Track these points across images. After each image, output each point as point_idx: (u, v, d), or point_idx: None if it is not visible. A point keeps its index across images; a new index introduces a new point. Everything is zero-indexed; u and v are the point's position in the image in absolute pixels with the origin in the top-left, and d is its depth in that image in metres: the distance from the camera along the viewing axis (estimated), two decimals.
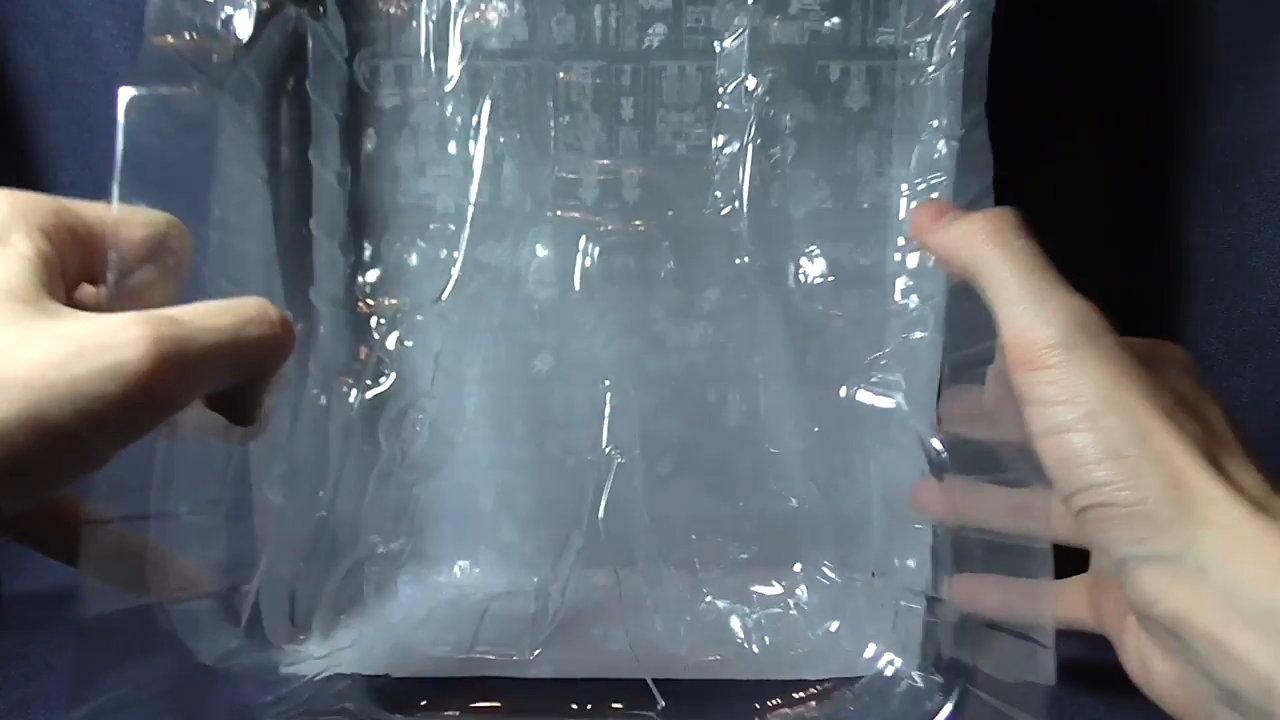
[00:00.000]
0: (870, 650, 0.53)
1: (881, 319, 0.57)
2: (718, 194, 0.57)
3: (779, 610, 0.57)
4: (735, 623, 0.56)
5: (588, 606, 0.57)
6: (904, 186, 0.55)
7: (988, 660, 0.44)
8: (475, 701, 0.49)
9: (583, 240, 0.57)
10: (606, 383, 0.58)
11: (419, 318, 0.58)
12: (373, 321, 0.58)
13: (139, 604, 0.40)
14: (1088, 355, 0.35)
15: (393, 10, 0.55)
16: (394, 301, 0.58)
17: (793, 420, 0.59)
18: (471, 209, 0.57)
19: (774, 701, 0.50)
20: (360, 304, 0.58)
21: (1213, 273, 0.60)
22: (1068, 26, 0.60)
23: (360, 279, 0.58)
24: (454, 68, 0.56)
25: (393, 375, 0.58)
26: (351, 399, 0.57)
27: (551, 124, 0.56)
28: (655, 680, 0.50)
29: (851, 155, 0.56)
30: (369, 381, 0.58)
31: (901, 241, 0.56)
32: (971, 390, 0.42)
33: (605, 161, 0.57)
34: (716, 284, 0.58)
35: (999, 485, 0.42)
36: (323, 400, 0.57)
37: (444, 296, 0.57)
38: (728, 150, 0.56)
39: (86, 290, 0.35)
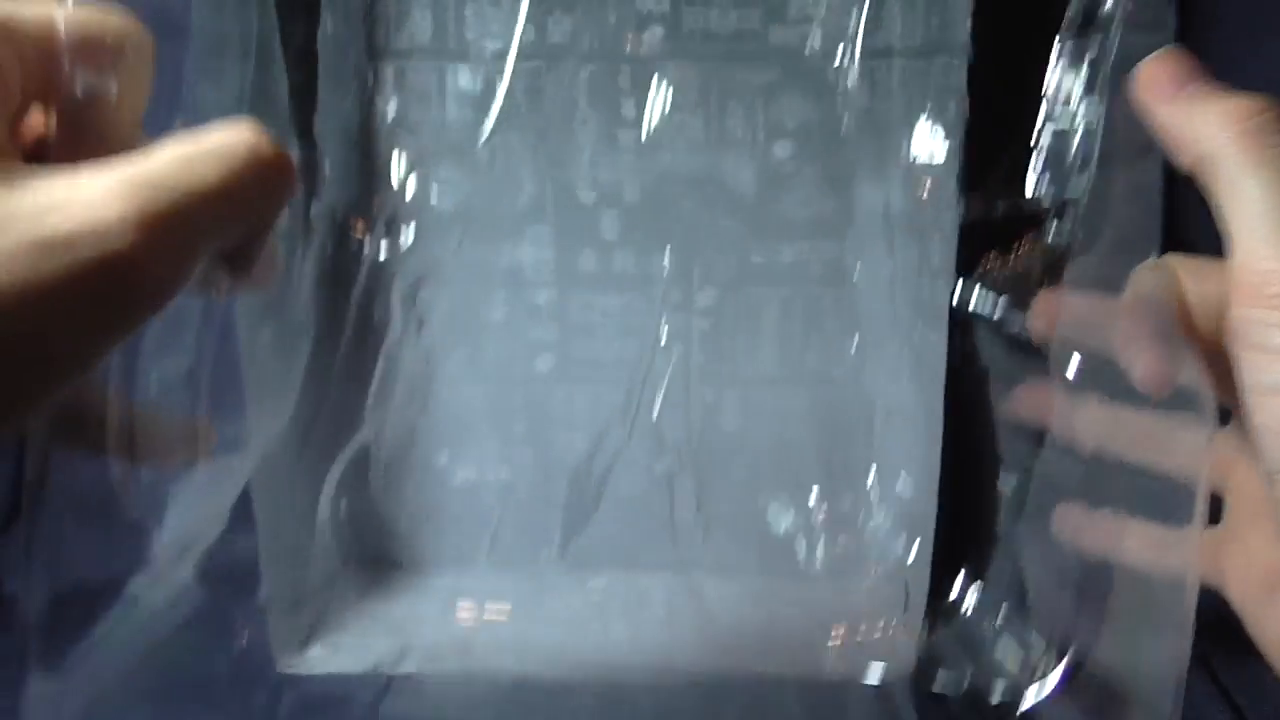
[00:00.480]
0: (871, 651, 0.53)
1: (881, 317, 0.58)
2: (718, 192, 0.57)
3: (780, 610, 0.57)
4: (736, 623, 0.56)
5: (587, 607, 0.57)
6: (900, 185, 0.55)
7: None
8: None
9: (582, 240, 0.58)
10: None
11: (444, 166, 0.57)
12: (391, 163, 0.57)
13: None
14: None
15: (392, 11, 0.55)
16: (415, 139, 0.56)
17: (792, 420, 0.59)
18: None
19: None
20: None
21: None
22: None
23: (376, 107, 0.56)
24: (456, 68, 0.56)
25: (413, 227, 0.57)
26: (365, 250, 0.56)
27: (551, 124, 0.56)
28: (653, 680, 0.51)
29: (850, 155, 0.56)
30: (384, 234, 0.57)
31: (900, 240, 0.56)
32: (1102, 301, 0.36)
33: (605, 161, 0.57)
34: (714, 283, 0.58)
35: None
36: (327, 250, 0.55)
37: (482, 139, 0.55)
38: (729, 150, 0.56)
39: (34, 121, 0.29)
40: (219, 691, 0.50)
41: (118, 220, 0.23)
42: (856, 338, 0.58)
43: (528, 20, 0.55)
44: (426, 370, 0.59)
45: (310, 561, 0.56)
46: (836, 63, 0.55)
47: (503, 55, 0.55)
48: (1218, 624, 0.48)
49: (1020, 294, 0.43)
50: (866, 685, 0.50)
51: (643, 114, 0.56)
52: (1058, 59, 0.42)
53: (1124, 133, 0.36)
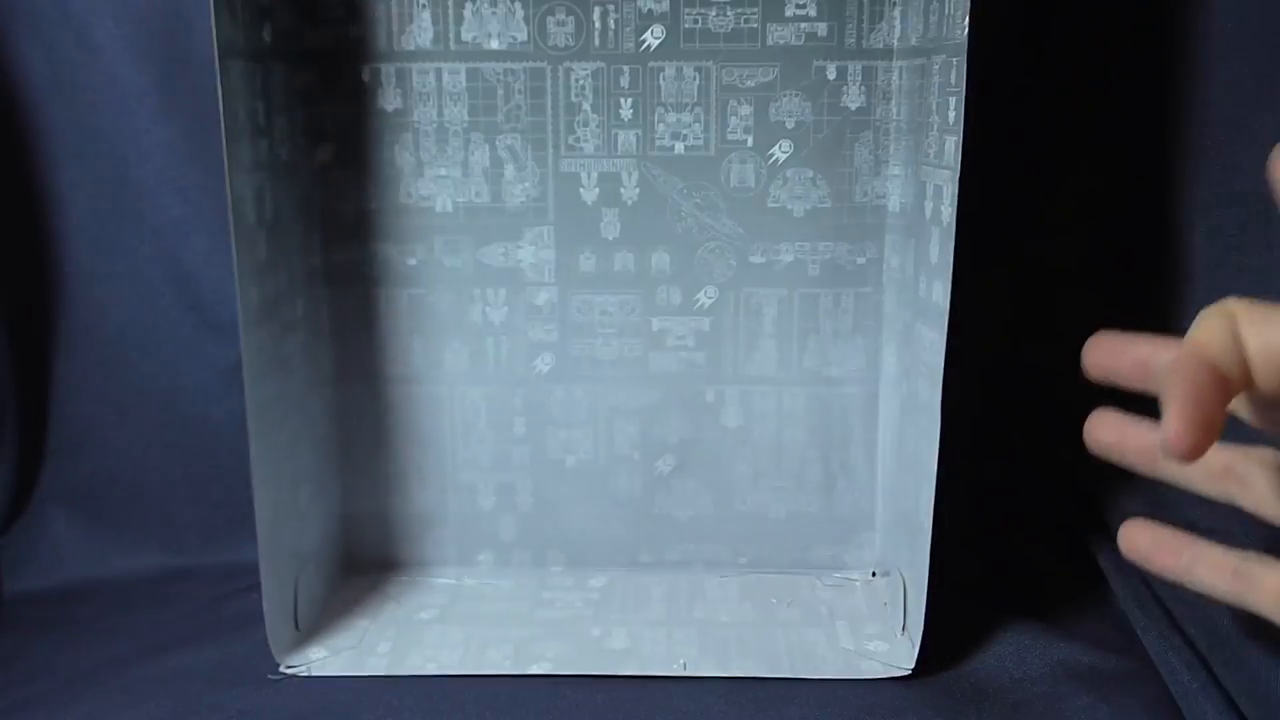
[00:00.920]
0: (870, 649, 0.53)
1: (881, 316, 0.58)
2: (718, 193, 0.57)
3: (780, 610, 0.57)
4: (736, 623, 0.56)
5: (587, 606, 0.57)
6: (898, 184, 0.55)
7: None
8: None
9: (583, 240, 0.58)
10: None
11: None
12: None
13: None
14: None
15: (394, 13, 0.55)
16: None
17: (791, 419, 0.59)
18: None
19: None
20: None
21: (1212, 273, 0.59)
22: (1074, 27, 0.60)
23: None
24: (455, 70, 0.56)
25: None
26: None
27: (551, 125, 0.56)
28: (653, 678, 0.51)
29: (848, 154, 0.56)
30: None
31: (897, 240, 0.56)
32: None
33: (605, 161, 0.57)
34: (714, 283, 0.58)
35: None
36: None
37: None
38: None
39: None
40: (219, 691, 0.50)
41: None
42: (856, 337, 0.58)
43: (527, 21, 0.55)
44: (428, 370, 0.59)
45: (310, 562, 0.56)
46: (836, 63, 0.55)
47: (502, 56, 0.56)
48: (1214, 624, 0.48)
49: None
50: (866, 683, 0.50)
51: (642, 114, 0.56)
52: None
53: None
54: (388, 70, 0.56)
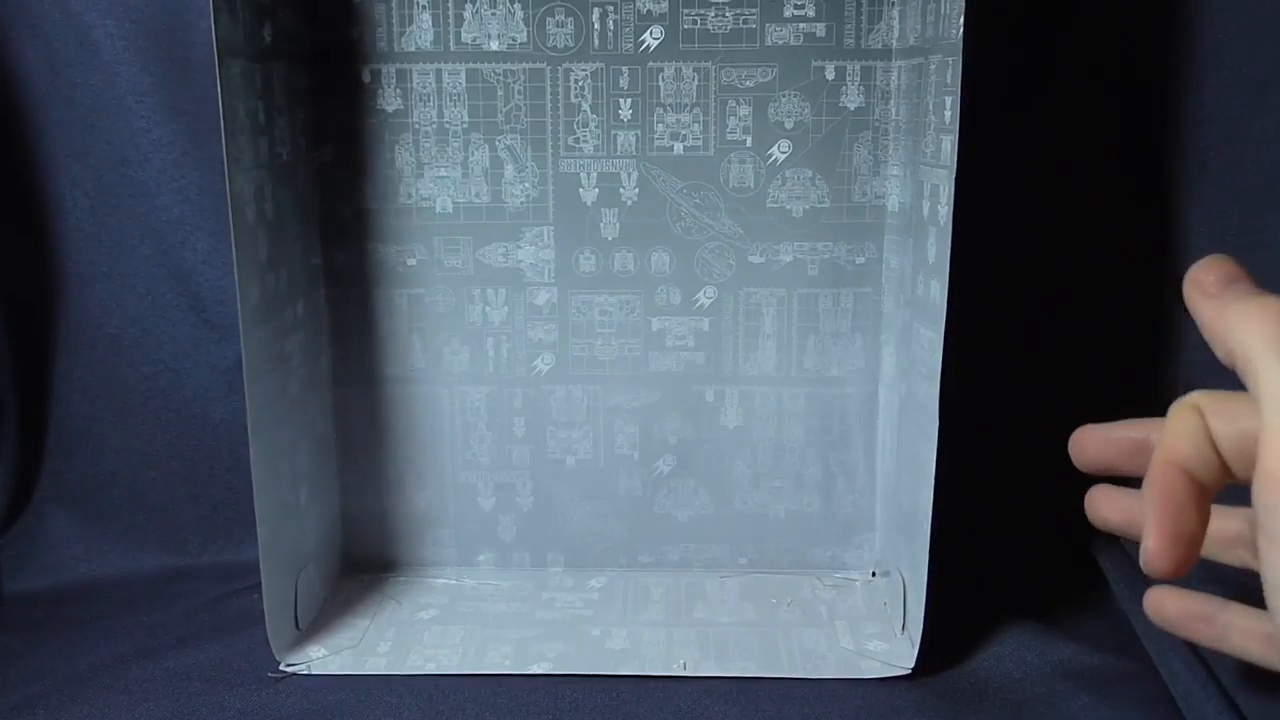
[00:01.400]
0: (870, 649, 0.53)
1: (880, 316, 0.58)
2: (717, 193, 0.57)
3: (780, 610, 0.57)
4: (736, 623, 0.56)
5: (587, 606, 0.57)
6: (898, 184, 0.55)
7: None
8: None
9: (583, 240, 0.58)
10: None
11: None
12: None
13: None
14: None
15: (394, 13, 0.55)
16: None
17: (791, 419, 0.59)
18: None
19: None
20: None
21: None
22: (1073, 27, 0.60)
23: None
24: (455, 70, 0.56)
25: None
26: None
27: (551, 125, 0.56)
28: (653, 678, 0.51)
29: (847, 155, 0.56)
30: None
31: (896, 240, 0.56)
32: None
33: (604, 162, 0.57)
34: (714, 283, 0.58)
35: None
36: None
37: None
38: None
39: None
40: (219, 691, 0.50)
41: None
42: (856, 337, 0.58)
43: (527, 22, 0.55)
44: (428, 370, 0.59)
45: (310, 561, 0.56)
46: (834, 63, 0.55)
47: (502, 56, 0.56)
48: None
49: None
50: (866, 683, 0.50)
51: (641, 115, 0.56)
52: None
53: None
54: (388, 71, 0.56)
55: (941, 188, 0.47)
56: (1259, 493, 0.28)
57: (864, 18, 0.55)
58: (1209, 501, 0.31)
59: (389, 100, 0.56)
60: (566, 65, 0.56)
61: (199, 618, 0.57)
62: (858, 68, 0.55)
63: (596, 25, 0.55)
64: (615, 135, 0.56)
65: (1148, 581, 0.54)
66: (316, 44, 0.56)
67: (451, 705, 0.49)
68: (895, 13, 0.54)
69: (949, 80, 0.46)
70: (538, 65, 0.56)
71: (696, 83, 0.56)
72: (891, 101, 0.56)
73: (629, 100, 0.56)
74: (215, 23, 0.45)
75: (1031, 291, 0.62)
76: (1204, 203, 0.59)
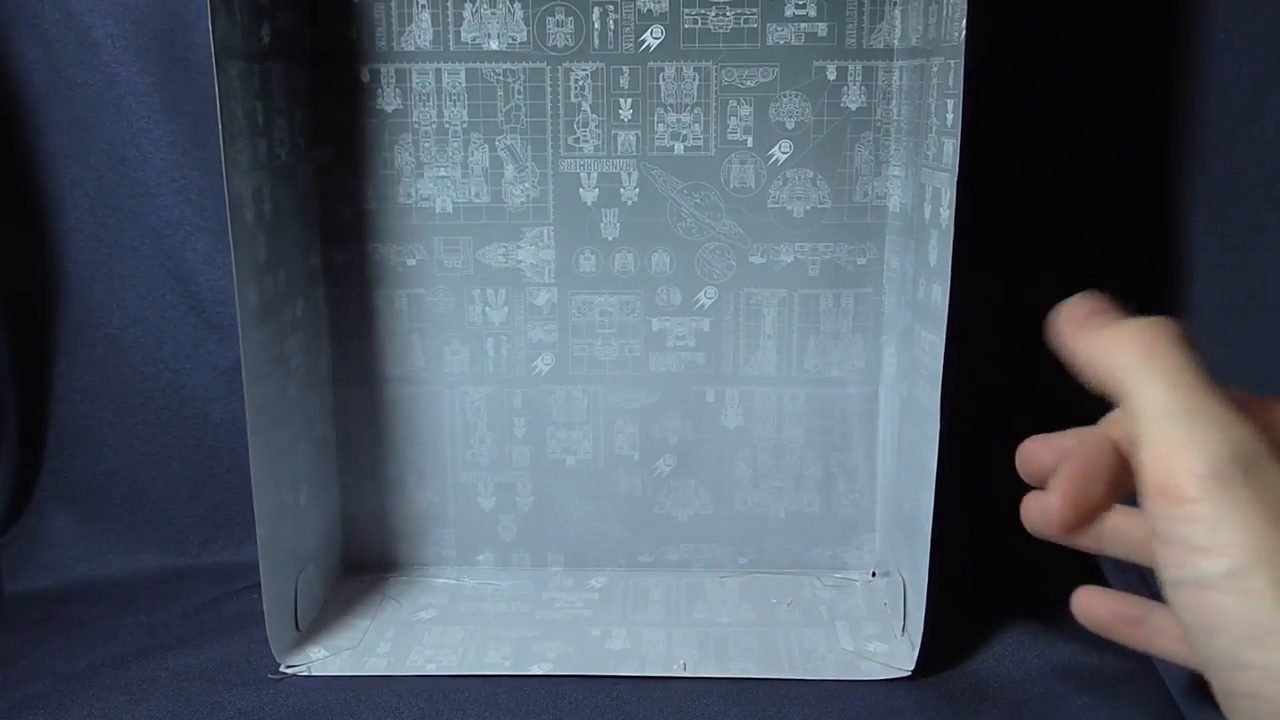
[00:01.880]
0: (870, 649, 0.53)
1: (881, 317, 0.58)
2: (717, 193, 0.57)
3: (780, 610, 0.57)
4: (736, 623, 0.56)
5: (587, 606, 0.57)
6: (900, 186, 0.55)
7: None
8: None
9: (583, 240, 0.58)
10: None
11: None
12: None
13: None
14: (1242, 494, 0.28)
15: (393, 13, 0.55)
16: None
17: (791, 419, 0.59)
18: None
19: None
20: None
21: (1212, 273, 0.59)
22: (1074, 28, 0.60)
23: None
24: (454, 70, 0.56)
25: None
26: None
27: (551, 125, 0.56)
28: (653, 679, 0.51)
29: (849, 155, 0.56)
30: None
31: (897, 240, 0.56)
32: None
33: (604, 162, 0.57)
34: (714, 283, 0.58)
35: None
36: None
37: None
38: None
39: None
40: (219, 691, 0.50)
41: None
42: (856, 338, 0.58)
43: (527, 22, 0.55)
44: (428, 370, 0.59)
45: (310, 562, 0.56)
46: (836, 63, 0.55)
47: (502, 56, 0.56)
48: None
49: None
50: (866, 683, 0.50)
51: (642, 114, 0.56)
52: None
53: None
54: (387, 70, 0.56)
55: (943, 191, 0.47)
56: (1144, 501, 0.30)
57: (866, 18, 0.55)
58: (1124, 479, 0.33)
59: (388, 100, 0.56)
60: (567, 65, 0.56)
61: (199, 618, 0.57)
62: (859, 68, 0.55)
63: (597, 25, 0.55)
64: (616, 135, 0.56)
65: (1147, 583, 0.54)
66: (315, 44, 0.55)
67: (451, 705, 0.49)
68: (897, 12, 0.54)
69: (950, 83, 0.46)
70: (538, 65, 0.56)
71: (697, 83, 0.56)
72: (893, 102, 0.55)
73: (629, 100, 0.56)
74: (213, 24, 0.45)
75: (1033, 293, 0.62)
76: (1204, 203, 0.59)
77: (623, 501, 0.60)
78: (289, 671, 0.51)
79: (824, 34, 0.55)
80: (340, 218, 0.57)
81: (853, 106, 0.56)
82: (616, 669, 0.51)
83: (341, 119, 0.56)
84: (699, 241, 0.57)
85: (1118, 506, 0.36)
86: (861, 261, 0.57)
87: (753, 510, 0.60)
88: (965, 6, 0.44)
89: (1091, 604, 0.39)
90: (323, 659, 0.52)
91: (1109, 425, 0.36)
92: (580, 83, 0.56)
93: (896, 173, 0.56)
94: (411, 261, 0.58)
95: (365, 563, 0.61)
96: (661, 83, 0.56)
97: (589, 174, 0.57)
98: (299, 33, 0.55)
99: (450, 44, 0.56)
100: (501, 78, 0.56)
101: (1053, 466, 0.37)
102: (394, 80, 0.56)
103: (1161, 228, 0.60)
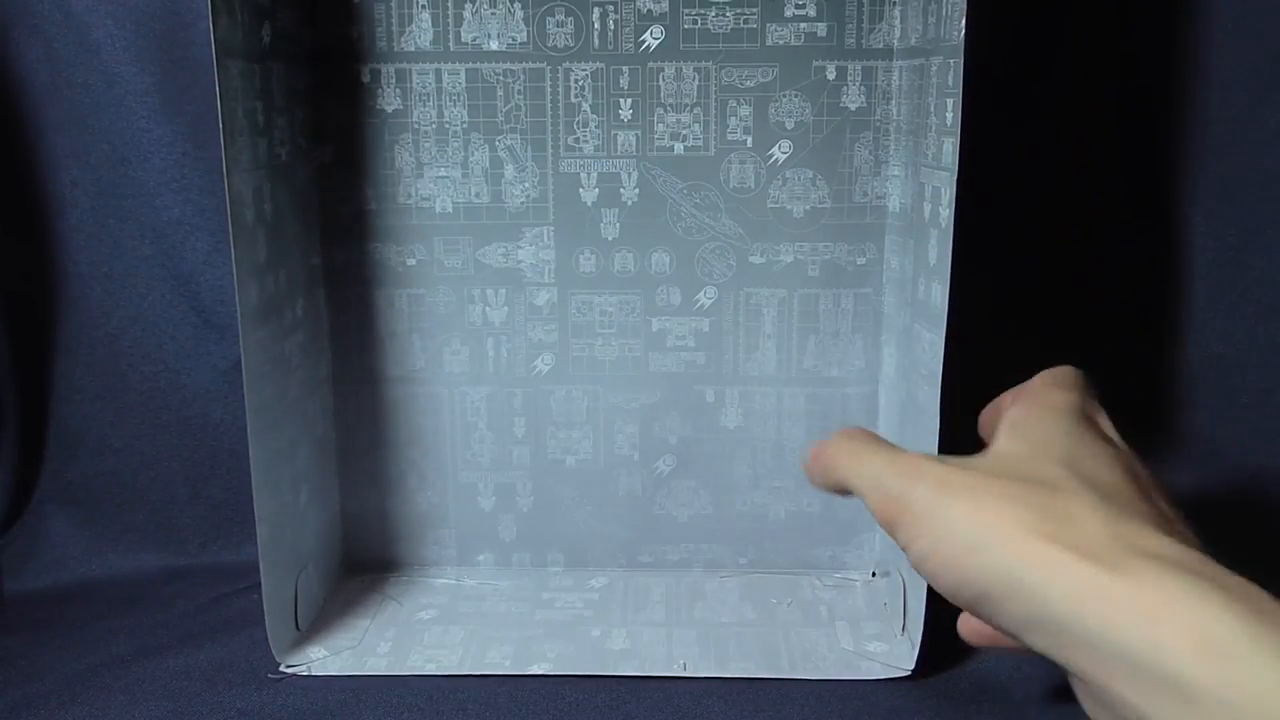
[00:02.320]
0: (870, 650, 0.53)
1: (881, 317, 0.58)
2: (717, 193, 0.57)
3: (780, 610, 0.57)
4: (735, 623, 0.56)
5: (587, 606, 0.57)
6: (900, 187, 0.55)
7: None
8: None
9: (583, 240, 0.58)
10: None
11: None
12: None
13: None
14: (931, 492, 0.35)
15: (394, 13, 0.55)
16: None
17: (791, 419, 0.59)
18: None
19: None
20: None
21: (1212, 273, 0.59)
22: (1075, 29, 0.60)
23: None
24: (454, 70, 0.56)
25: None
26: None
27: (551, 125, 0.56)
28: (653, 679, 0.51)
29: (848, 155, 0.56)
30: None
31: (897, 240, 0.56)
32: None
33: (604, 162, 0.57)
34: (714, 283, 0.58)
35: None
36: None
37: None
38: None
39: None
40: (219, 691, 0.50)
41: None
42: (856, 338, 0.58)
43: (527, 22, 0.55)
44: (428, 370, 0.59)
45: (310, 561, 0.56)
46: (835, 63, 0.55)
47: (502, 56, 0.56)
48: None
49: None
50: (866, 683, 0.50)
51: (642, 115, 0.56)
52: None
53: None
54: (387, 71, 0.56)
55: (943, 190, 0.47)
56: (889, 531, 0.38)
57: (865, 17, 0.55)
58: None
59: (389, 100, 0.56)
60: (566, 65, 0.56)
61: (199, 618, 0.57)
62: (859, 68, 0.55)
63: (597, 25, 0.55)
64: (615, 135, 0.56)
65: None
66: (316, 44, 0.56)
67: (452, 705, 0.49)
68: (896, 12, 0.54)
69: (950, 83, 0.46)
70: (538, 65, 0.56)
71: (697, 83, 0.56)
72: (893, 102, 0.55)
73: (629, 100, 0.56)
74: (214, 24, 0.45)
75: (1032, 293, 0.62)
76: (1204, 203, 0.59)
77: (623, 502, 0.60)
78: (289, 671, 0.51)
79: (823, 34, 0.55)
80: (340, 218, 0.57)
81: (852, 106, 0.56)
82: (616, 669, 0.51)
83: (342, 119, 0.57)
84: (699, 241, 0.57)
85: None
86: (861, 261, 0.57)
87: (753, 510, 0.60)
88: (965, 6, 0.44)
89: (968, 620, 0.43)
90: (323, 659, 0.52)
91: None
92: (580, 83, 0.56)
93: (896, 172, 0.56)
94: (412, 261, 0.58)
95: (366, 562, 0.61)
96: (661, 83, 0.56)
97: (589, 174, 0.57)
98: (299, 33, 0.55)
99: (450, 44, 0.56)
100: (501, 78, 0.56)
101: None
102: (394, 80, 0.56)
103: (1161, 228, 0.60)
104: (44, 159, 0.63)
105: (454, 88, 0.56)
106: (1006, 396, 0.41)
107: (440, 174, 0.57)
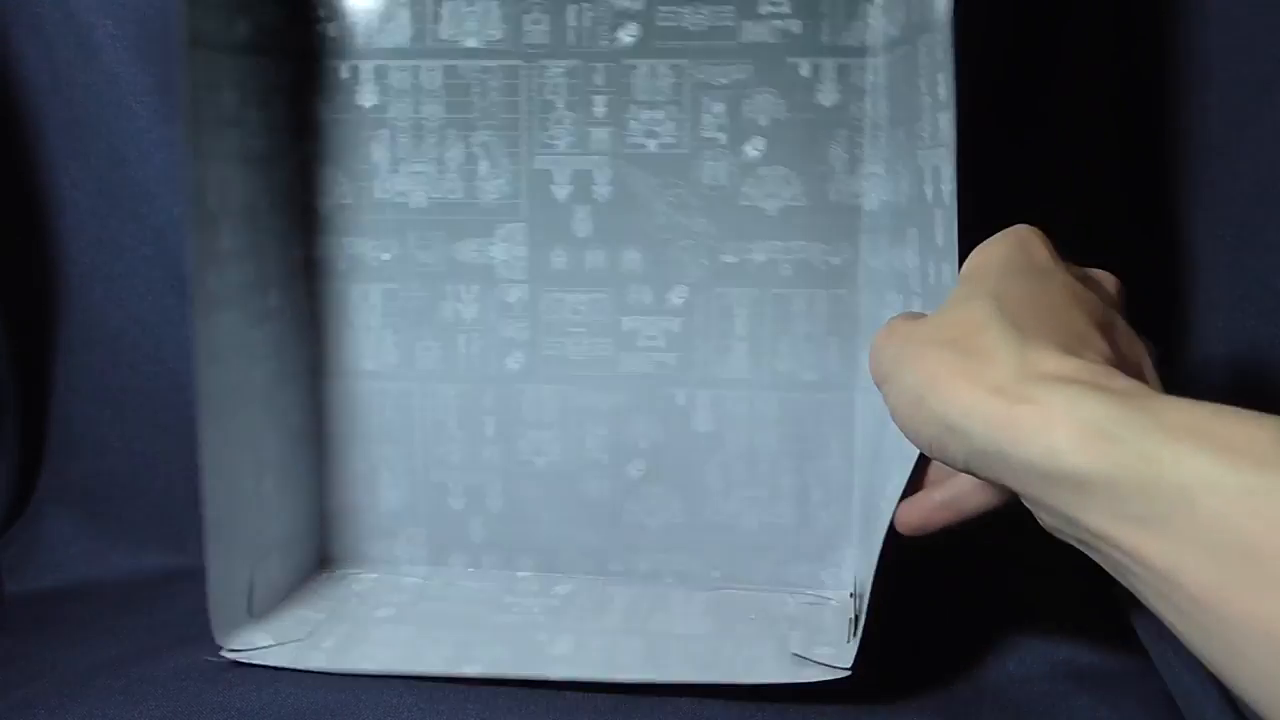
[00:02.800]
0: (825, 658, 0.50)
1: (857, 320, 0.56)
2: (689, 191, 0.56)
3: (738, 621, 0.55)
4: (691, 633, 0.54)
5: (545, 613, 0.56)
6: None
7: None
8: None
9: (555, 237, 0.57)
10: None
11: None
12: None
13: None
14: (895, 347, 0.38)
15: (373, 10, 0.56)
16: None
17: (764, 424, 0.58)
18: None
19: None
20: None
21: (1212, 273, 0.57)
22: (1072, 24, 0.59)
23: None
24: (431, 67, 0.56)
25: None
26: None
27: (525, 122, 0.56)
28: (610, 685, 0.49)
29: (823, 153, 0.55)
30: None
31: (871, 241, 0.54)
32: None
33: (578, 159, 0.56)
34: (686, 282, 0.57)
35: None
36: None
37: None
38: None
39: None
40: (219, 691, 0.49)
41: None
42: (831, 340, 0.56)
43: (504, 20, 0.56)
44: (400, 366, 0.59)
45: (273, 551, 0.56)
46: (810, 59, 0.55)
47: (479, 53, 0.56)
48: None
49: None
50: (865, 683, 0.47)
51: (616, 112, 0.56)
52: None
53: None
54: (366, 67, 0.57)
55: (942, 168, 0.45)
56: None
57: (840, 14, 0.54)
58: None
59: (366, 96, 0.57)
60: (541, 62, 0.56)
61: (199, 618, 0.57)
62: (834, 65, 0.54)
63: (572, 22, 0.55)
64: (589, 132, 0.56)
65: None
66: (296, 41, 0.56)
67: (452, 706, 0.47)
68: (872, 6, 0.53)
69: (940, 56, 0.44)
70: (513, 62, 0.56)
71: (671, 80, 0.55)
72: (868, 98, 0.54)
73: (603, 97, 0.56)
74: (189, 15, 0.46)
75: None
76: (1204, 203, 0.58)
77: (592, 506, 0.59)
78: (229, 656, 0.50)
79: (798, 31, 0.54)
80: (316, 211, 0.58)
81: (827, 103, 0.55)
82: (547, 672, 0.49)
83: (319, 114, 0.57)
84: (671, 239, 0.56)
85: None
86: (836, 261, 0.56)
87: (725, 520, 0.58)
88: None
89: (907, 514, 0.44)
90: (266, 648, 0.51)
91: None
92: (555, 80, 0.56)
93: (874, 169, 0.54)
94: (386, 256, 0.58)
95: (340, 557, 0.61)
96: (635, 80, 0.55)
97: (562, 170, 0.56)
98: (280, 29, 0.56)
99: (428, 41, 0.56)
100: (478, 75, 0.56)
101: None
102: (372, 77, 0.57)
103: (1161, 227, 0.59)
104: (44, 159, 0.64)
105: (431, 84, 0.57)
106: None
107: (415, 170, 0.57)
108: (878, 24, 0.54)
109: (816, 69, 0.54)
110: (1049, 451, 0.30)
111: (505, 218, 0.57)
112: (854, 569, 0.58)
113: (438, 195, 0.57)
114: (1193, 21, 0.56)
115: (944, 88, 0.44)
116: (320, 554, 0.61)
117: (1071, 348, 0.33)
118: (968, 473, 0.35)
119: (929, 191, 0.47)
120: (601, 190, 0.56)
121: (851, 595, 0.58)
